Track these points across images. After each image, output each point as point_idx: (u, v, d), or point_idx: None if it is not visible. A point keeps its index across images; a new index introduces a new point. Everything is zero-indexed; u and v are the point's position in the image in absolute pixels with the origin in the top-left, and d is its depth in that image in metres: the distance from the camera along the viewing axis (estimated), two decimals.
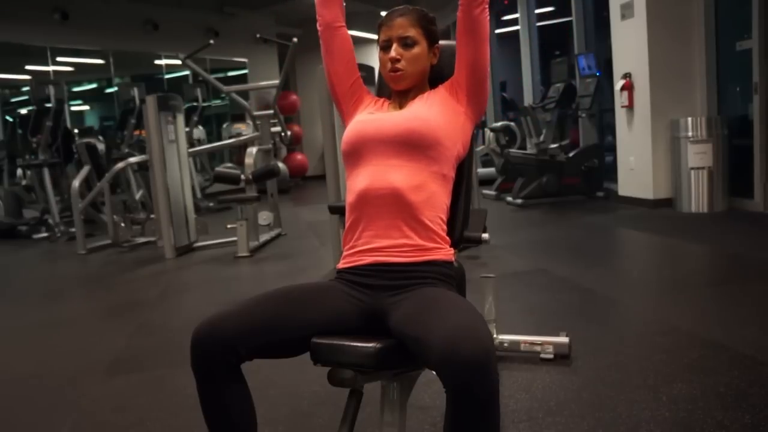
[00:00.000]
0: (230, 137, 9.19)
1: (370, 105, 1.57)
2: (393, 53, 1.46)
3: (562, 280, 3.53)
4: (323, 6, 1.54)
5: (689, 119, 5.29)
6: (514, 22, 9.51)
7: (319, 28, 1.56)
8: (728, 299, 2.98)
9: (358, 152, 1.44)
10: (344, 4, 1.57)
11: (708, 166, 5.23)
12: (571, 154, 6.74)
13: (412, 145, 1.39)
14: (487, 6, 1.40)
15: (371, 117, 1.49)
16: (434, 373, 1.06)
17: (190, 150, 6.34)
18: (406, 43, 1.46)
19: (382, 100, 1.60)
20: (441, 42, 1.57)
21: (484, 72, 1.45)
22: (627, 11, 5.72)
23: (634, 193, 5.94)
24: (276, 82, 6.14)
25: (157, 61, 10.80)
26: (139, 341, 3.01)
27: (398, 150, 1.40)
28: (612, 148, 6.54)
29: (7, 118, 8.87)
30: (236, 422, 1.26)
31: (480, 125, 8.33)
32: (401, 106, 1.53)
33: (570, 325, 2.53)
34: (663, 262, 4.03)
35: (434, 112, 1.43)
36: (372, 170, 1.41)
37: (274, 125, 6.47)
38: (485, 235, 2.14)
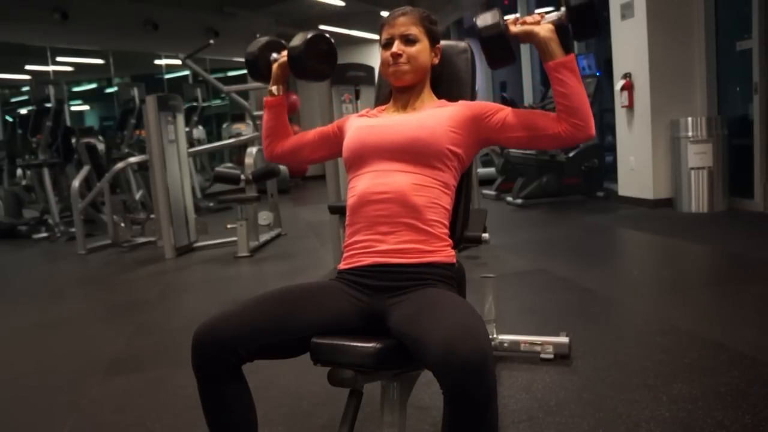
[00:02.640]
0: (230, 137, 9.19)
1: (365, 116, 1.57)
2: (395, 48, 1.47)
3: (562, 280, 3.53)
4: (266, 143, 1.70)
5: (689, 119, 5.29)
6: None
7: (268, 160, 1.71)
8: (728, 299, 2.98)
9: (361, 158, 1.45)
10: (289, 128, 1.70)
11: (708, 166, 5.23)
12: (571, 154, 6.73)
13: (416, 153, 1.40)
14: None
15: (373, 123, 1.50)
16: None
17: (190, 150, 6.34)
18: (408, 40, 1.47)
19: (377, 108, 1.60)
20: (443, 42, 1.58)
21: (523, 149, 1.51)
22: (627, 11, 5.72)
23: (634, 193, 5.94)
24: None
25: (157, 61, 10.80)
26: (139, 341, 3.01)
27: (402, 157, 1.41)
28: (612, 148, 6.54)
29: (7, 118, 8.88)
30: (237, 423, 1.26)
31: None
32: (404, 107, 1.53)
33: (570, 325, 2.53)
34: (663, 262, 4.03)
35: (444, 123, 1.43)
36: (375, 174, 1.41)
37: None
38: (485, 235, 2.14)
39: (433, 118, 1.44)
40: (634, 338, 2.60)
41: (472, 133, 1.45)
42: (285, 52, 1.61)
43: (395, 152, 1.41)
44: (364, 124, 1.51)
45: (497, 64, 1.42)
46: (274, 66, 1.64)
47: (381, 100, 1.67)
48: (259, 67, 1.67)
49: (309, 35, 1.56)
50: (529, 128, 1.41)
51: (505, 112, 1.44)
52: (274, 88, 1.66)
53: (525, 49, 8.90)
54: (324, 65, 1.62)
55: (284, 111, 1.68)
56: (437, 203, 1.40)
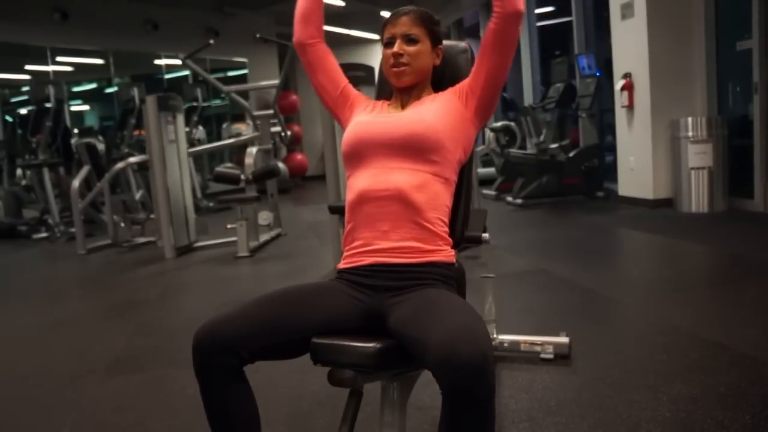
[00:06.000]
0: (230, 137, 9.19)
1: (368, 107, 1.57)
2: (396, 48, 1.47)
3: (562, 280, 3.53)
4: (299, 25, 1.59)
5: (689, 119, 5.29)
6: None
7: (294, 45, 1.61)
8: (728, 299, 2.98)
9: (359, 154, 1.44)
10: (323, 22, 1.62)
11: (708, 166, 5.23)
12: (571, 154, 6.74)
13: (415, 148, 1.39)
14: (521, 21, 1.39)
15: (372, 119, 1.49)
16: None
17: (190, 150, 6.34)
18: (410, 40, 1.47)
19: (381, 102, 1.60)
20: (444, 42, 1.58)
21: (501, 84, 1.45)
22: (627, 11, 5.72)
23: (634, 193, 5.94)
24: (276, 82, 6.14)
25: (157, 61, 10.80)
26: (139, 341, 3.01)
27: (400, 152, 1.40)
28: (612, 148, 6.54)
29: (7, 118, 8.88)
30: (240, 424, 1.26)
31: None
32: (403, 106, 1.53)
33: (570, 325, 2.53)
34: (663, 262, 4.03)
35: (438, 116, 1.42)
36: (374, 171, 1.41)
37: (274, 125, 6.48)
38: (485, 235, 2.14)
39: (429, 111, 1.44)
40: (634, 338, 2.60)
41: (464, 116, 1.45)
42: None
43: (393, 148, 1.40)
44: (362, 120, 1.51)
45: None
46: None
47: (382, 98, 1.66)
48: None
49: None
50: (481, 57, 1.42)
51: (469, 76, 1.47)
52: None
53: (525, 51, 8.90)
54: None
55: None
56: (438, 200, 1.40)
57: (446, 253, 1.40)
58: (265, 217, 5.67)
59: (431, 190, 1.39)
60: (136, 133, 7.91)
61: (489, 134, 8.13)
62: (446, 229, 1.43)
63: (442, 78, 1.58)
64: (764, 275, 3.35)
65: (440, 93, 1.51)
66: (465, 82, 1.47)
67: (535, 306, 3.12)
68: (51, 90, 7.00)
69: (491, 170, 7.92)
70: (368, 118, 1.51)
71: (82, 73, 10.38)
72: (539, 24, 9.27)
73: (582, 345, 2.42)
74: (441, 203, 1.41)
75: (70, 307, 3.97)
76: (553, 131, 6.97)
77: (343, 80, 1.60)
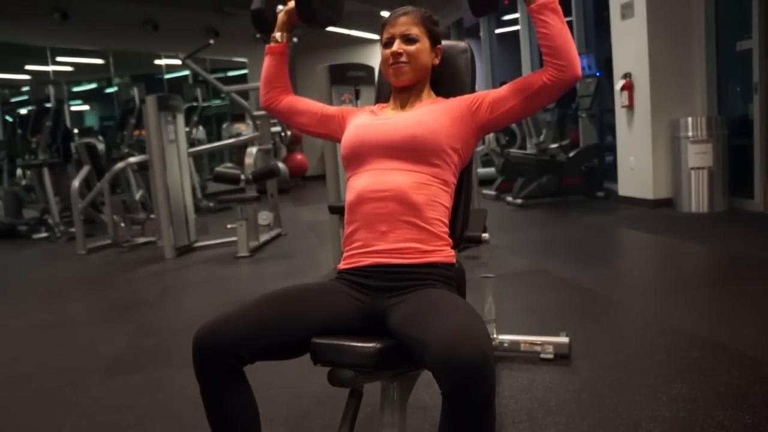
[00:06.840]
0: (230, 137, 9.19)
1: (365, 112, 1.57)
2: (395, 48, 1.47)
3: (562, 280, 3.53)
4: (264, 89, 1.67)
5: (689, 119, 5.29)
6: (514, 22, 9.52)
7: (262, 107, 1.69)
8: (728, 299, 2.98)
9: (359, 156, 1.45)
10: (288, 82, 1.68)
11: (708, 166, 5.23)
12: (571, 154, 6.74)
13: (414, 150, 1.40)
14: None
15: (371, 121, 1.50)
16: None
17: (190, 150, 6.34)
18: (408, 39, 1.48)
19: (378, 105, 1.61)
20: (442, 42, 1.58)
21: (518, 120, 1.48)
22: (627, 11, 5.72)
23: (634, 193, 5.94)
24: None
25: (157, 61, 10.80)
26: (139, 341, 3.01)
27: (400, 154, 1.40)
28: (612, 148, 6.54)
29: (7, 118, 8.88)
30: (240, 424, 1.26)
31: None
32: (402, 106, 1.53)
33: (570, 325, 2.53)
34: (663, 262, 4.03)
35: (441, 119, 1.43)
36: (374, 172, 1.41)
37: (274, 125, 6.48)
38: (485, 235, 2.14)
39: (430, 114, 1.44)
40: (634, 338, 2.60)
41: (468, 125, 1.45)
42: (292, 1, 1.62)
43: (393, 150, 1.41)
44: (362, 122, 1.51)
45: (481, 10, 1.46)
46: (281, 13, 1.64)
47: (382, 100, 1.67)
48: (265, 19, 1.65)
49: None
50: (518, 92, 1.41)
51: (494, 93, 1.45)
52: (278, 35, 1.65)
53: (524, 51, 8.90)
54: (331, 10, 1.63)
55: (286, 60, 1.67)
56: (437, 201, 1.40)
57: (446, 254, 1.40)
58: (265, 217, 5.68)
59: (431, 190, 1.39)
60: (136, 133, 7.90)
61: (489, 134, 8.13)
62: (446, 229, 1.43)
63: (441, 78, 1.58)
64: (764, 275, 3.35)
65: (448, 99, 1.51)
66: (485, 97, 1.45)
67: (535, 306, 3.12)
68: (51, 90, 7.00)
69: (491, 170, 7.92)
70: (368, 120, 1.51)
71: (82, 73, 10.38)
72: None
73: (582, 345, 2.42)
74: (440, 204, 1.41)
75: (70, 307, 3.97)
76: (553, 131, 6.97)
77: (319, 107, 1.64)
